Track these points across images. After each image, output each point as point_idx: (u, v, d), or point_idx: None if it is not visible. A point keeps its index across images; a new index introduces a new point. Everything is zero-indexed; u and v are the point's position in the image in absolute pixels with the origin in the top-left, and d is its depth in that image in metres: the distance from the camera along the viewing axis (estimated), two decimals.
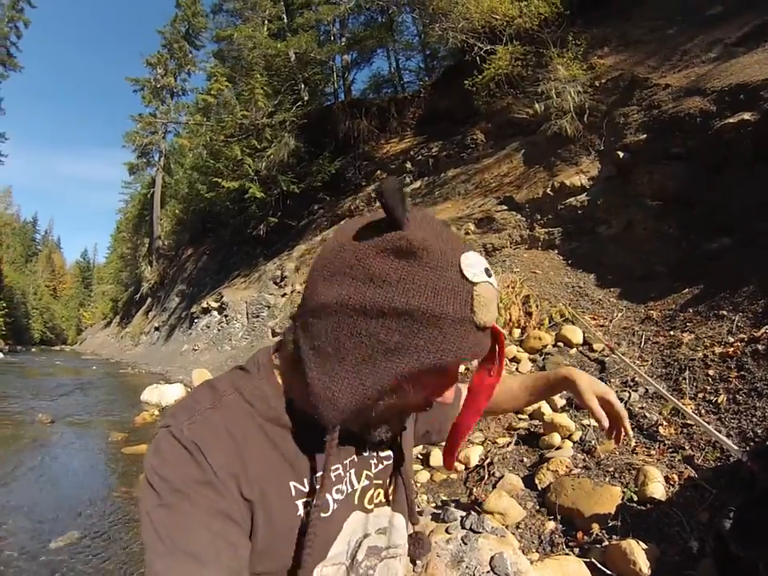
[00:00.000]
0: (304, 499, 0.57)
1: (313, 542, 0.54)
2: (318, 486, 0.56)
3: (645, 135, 5.90)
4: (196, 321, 14.53)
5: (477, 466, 3.40)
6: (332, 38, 15.50)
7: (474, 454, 3.48)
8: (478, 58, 8.21)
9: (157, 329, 20.02)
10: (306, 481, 0.58)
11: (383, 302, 0.50)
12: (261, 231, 13.51)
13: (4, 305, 38.01)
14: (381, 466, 0.69)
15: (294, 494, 0.56)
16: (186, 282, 19.78)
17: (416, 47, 15.24)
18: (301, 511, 0.56)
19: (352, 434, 0.58)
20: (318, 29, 15.16)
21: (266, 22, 15.10)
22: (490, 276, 0.54)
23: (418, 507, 2.83)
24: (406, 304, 0.50)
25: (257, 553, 0.53)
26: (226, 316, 12.99)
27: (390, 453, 0.71)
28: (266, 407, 0.57)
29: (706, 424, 2.89)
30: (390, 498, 0.70)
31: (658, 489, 2.58)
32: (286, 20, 15.16)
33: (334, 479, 0.61)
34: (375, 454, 0.69)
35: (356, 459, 0.65)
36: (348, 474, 0.64)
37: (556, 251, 6.42)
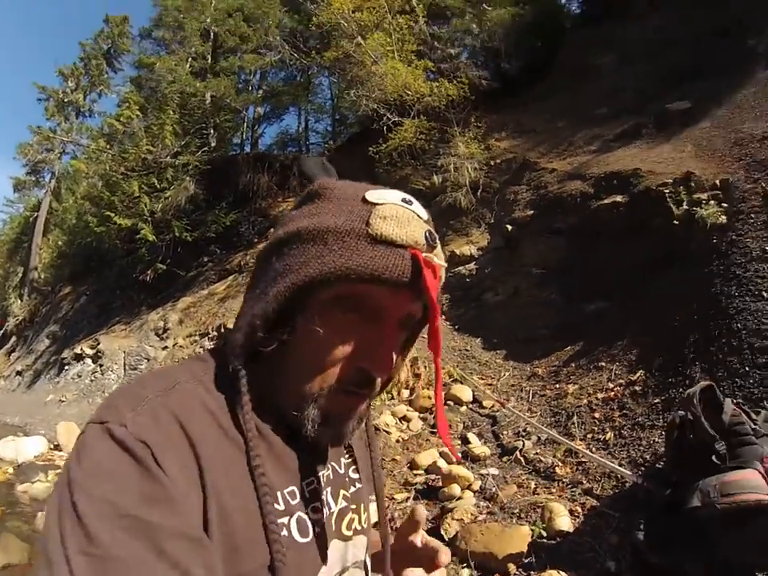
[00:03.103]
0: (282, 518, 0.49)
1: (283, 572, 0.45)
2: (294, 501, 0.50)
3: (531, 211, 6.46)
4: (66, 368, 13.00)
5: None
6: (250, 88, 15.79)
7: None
8: (385, 127, 8.58)
9: (19, 373, 17.30)
10: (279, 495, 0.50)
11: (282, 233, 0.52)
12: (148, 277, 12.70)
13: None
14: (354, 488, 0.63)
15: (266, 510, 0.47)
16: (60, 323, 17.65)
17: (327, 111, 16.17)
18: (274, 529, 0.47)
19: (318, 447, 0.54)
20: (238, 76, 15.34)
21: (191, 59, 14.93)
22: (409, 204, 0.51)
23: None
24: (297, 228, 0.50)
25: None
26: (100, 365, 11.76)
27: (357, 475, 0.65)
28: (227, 399, 0.50)
29: (599, 458, 3.16)
30: (365, 525, 0.64)
31: (564, 522, 2.68)
32: (210, 61, 15.09)
33: (308, 495, 0.53)
34: (349, 474, 0.63)
35: (331, 476, 0.59)
36: (325, 493, 0.56)
37: (443, 317, 6.53)
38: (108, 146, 15.04)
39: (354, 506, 0.61)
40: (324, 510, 0.55)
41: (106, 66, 24.78)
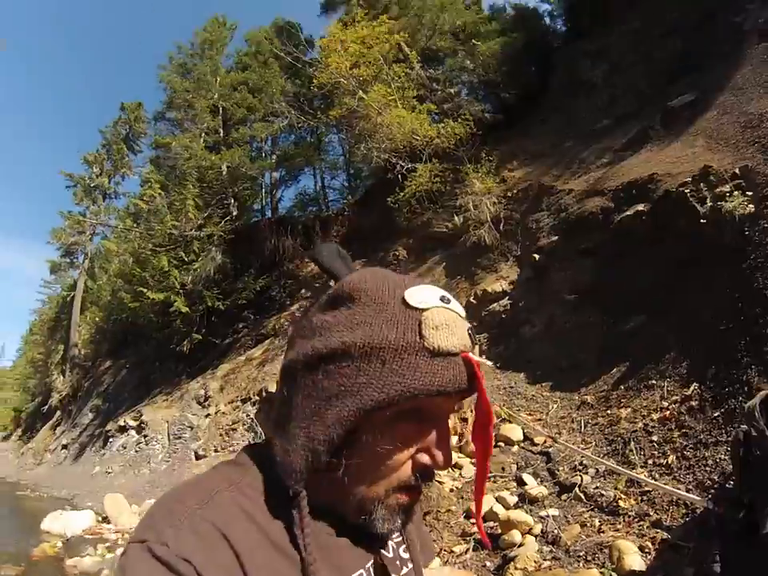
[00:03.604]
0: None
1: None
2: None
3: (556, 237, 6.40)
4: (111, 440, 13.23)
5: None
6: (263, 155, 16.49)
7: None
8: (399, 176, 8.82)
9: (65, 446, 17.76)
10: None
11: (321, 348, 0.49)
12: (185, 347, 12.99)
13: None
14: (406, 569, 0.62)
15: None
16: (102, 397, 18.10)
17: (341, 166, 16.65)
18: None
19: (367, 532, 0.52)
20: (251, 145, 16.04)
21: (204, 134, 15.79)
22: (448, 302, 0.50)
23: None
24: (342, 343, 0.48)
25: None
26: (145, 436, 11.87)
27: (408, 555, 0.63)
28: (266, 503, 0.49)
29: (663, 485, 2.95)
30: None
31: (635, 560, 2.54)
32: (222, 134, 15.91)
33: None
34: (398, 554, 0.61)
35: (380, 562, 0.57)
36: None
37: (484, 356, 6.28)
38: (135, 225, 15.85)
39: None
40: None
41: (126, 149, 26.51)
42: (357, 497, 0.51)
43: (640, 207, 5.29)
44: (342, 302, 0.51)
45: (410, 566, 0.63)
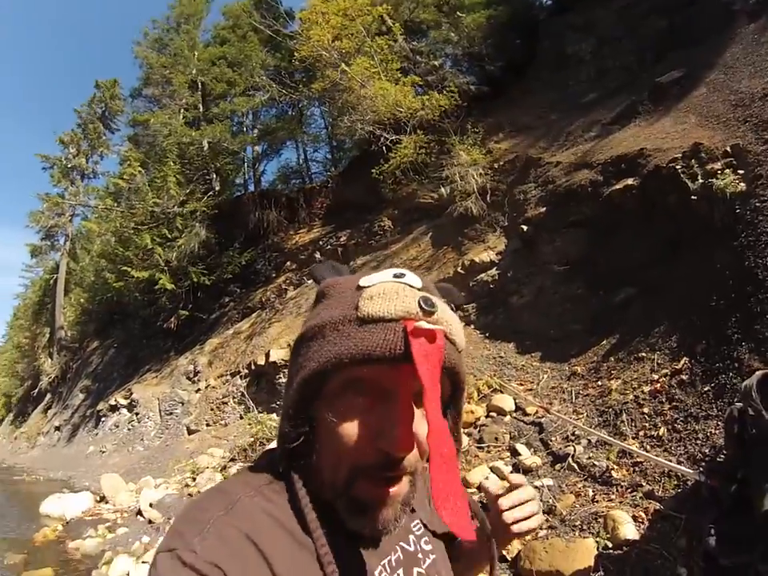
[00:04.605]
0: None
1: None
2: None
3: (544, 208, 6.40)
4: (103, 419, 13.33)
5: None
6: (244, 129, 16.04)
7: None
8: (384, 147, 8.71)
9: (57, 428, 17.78)
10: None
11: (297, 341, 0.54)
12: (172, 324, 12.98)
13: None
14: (428, 561, 0.61)
15: None
16: (92, 377, 17.99)
17: (323, 139, 16.29)
18: None
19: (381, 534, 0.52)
20: (231, 119, 15.62)
21: (183, 110, 15.36)
22: (401, 277, 0.51)
23: None
24: (304, 330, 0.53)
25: None
26: (136, 414, 11.96)
27: (431, 546, 0.63)
28: (289, 504, 0.50)
29: (656, 457, 2.98)
30: None
31: (629, 530, 2.61)
32: (201, 109, 15.48)
33: None
34: (420, 547, 0.61)
35: (401, 556, 0.57)
36: (396, 575, 0.55)
37: (472, 326, 6.50)
38: (116, 204, 15.47)
39: None
40: None
41: (103, 128, 25.61)
42: (326, 480, 0.50)
43: (629, 181, 5.28)
44: (318, 299, 0.57)
45: (432, 557, 0.62)
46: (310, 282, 10.70)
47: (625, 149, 5.73)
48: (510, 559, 2.83)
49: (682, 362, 3.66)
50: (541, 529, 2.94)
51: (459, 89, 8.81)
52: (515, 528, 0.67)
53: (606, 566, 2.49)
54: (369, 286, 0.50)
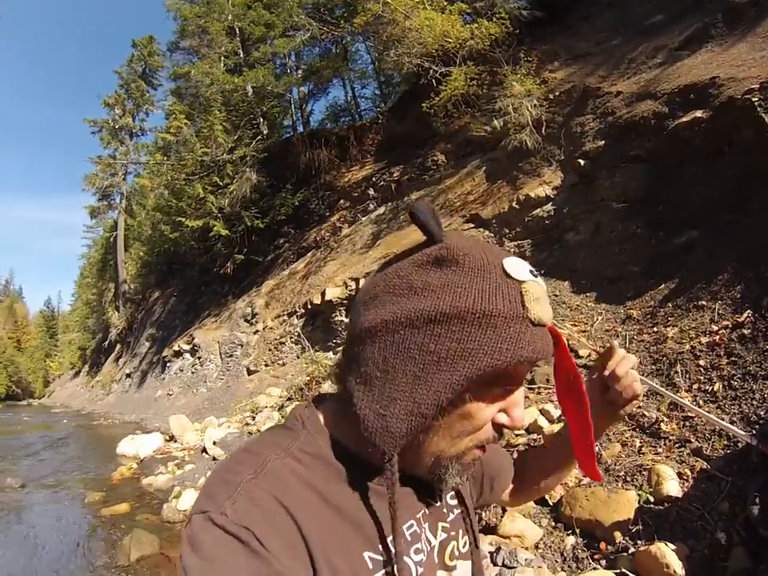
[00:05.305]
0: (382, 571, 0.50)
1: None
2: (394, 551, 0.49)
3: (603, 142, 6.00)
4: (168, 365, 14.27)
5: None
6: (288, 71, 15.71)
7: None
8: (433, 80, 8.31)
9: (128, 375, 19.40)
10: (379, 547, 0.51)
11: (429, 310, 0.48)
12: (228, 269, 13.38)
13: None
14: (452, 515, 0.64)
15: (371, 566, 0.49)
16: (156, 326, 19.25)
17: (370, 75, 15.65)
18: None
19: (419, 482, 0.55)
20: (274, 62, 15.36)
21: (223, 57, 15.19)
22: (536, 276, 0.52)
23: None
24: (454, 307, 0.48)
25: None
26: (199, 358, 12.75)
27: (456, 501, 0.67)
28: (320, 465, 0.51)
29: (708, 414, 2.85)
30: (467, 549, 0.65)
31: (673, 486, 2.52)
32: (242, 55, 15.25)
33: (410, 538, 0.55)
34: (445, 502, 0.64)
35: (427, 512, 0.60)
36: (423, 530, 0.58)
37: (527, 262, 6.34)
38: (165, 158, 15.92)
39: (453, 533, 0.63)
40: (425, 549, 0.57)
41: (145, 85, 26.04)
42: (435, 455, 0.52)
43: (698, 114, 4.80)
44: (445, 263, 0.50)
45: (456, 511, 0.66)
46: (364, 219, 10.72)
47: (694, 77, 5.20)
48: (551, 503, 2.82)
49: (745, 314, 3.36)
50: (584, 477, 2.83)
51: (510, 15, 8.17)
52: (630, 391, 0.69)
53: (646, 520, 2.42)
54: (521, 281, 0.50)
